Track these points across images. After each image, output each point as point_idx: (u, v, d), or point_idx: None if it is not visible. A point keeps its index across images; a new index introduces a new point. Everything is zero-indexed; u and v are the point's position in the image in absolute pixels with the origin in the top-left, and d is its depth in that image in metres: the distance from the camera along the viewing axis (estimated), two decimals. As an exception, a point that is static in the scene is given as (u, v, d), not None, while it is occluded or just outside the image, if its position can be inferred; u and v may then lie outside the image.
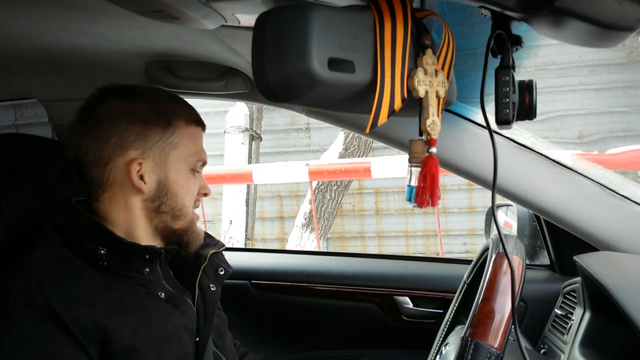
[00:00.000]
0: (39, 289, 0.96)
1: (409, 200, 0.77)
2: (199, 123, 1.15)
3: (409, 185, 0.77)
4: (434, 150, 0.76)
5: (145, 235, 1.08)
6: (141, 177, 1.06)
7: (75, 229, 1.06)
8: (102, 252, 1.03)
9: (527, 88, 0.88)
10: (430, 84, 0.76)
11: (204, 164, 1.16)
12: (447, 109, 1.24)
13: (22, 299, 0.95)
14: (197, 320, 1.13)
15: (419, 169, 0.77)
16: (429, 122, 0.76)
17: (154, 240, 1.10)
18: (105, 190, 1.07)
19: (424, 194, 0.76)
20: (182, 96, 1.40)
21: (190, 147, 1.11)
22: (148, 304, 1.05)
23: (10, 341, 0.93)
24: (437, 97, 0.77)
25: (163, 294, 1.08)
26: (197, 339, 1.12)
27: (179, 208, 1.10)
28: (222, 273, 1.19)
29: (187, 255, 1.17)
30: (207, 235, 1.22)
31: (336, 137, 5.14)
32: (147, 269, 1.07)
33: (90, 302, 0.98)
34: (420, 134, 0.77)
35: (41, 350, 0.94)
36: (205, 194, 1.17)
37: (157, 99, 1.10)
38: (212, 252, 1.18)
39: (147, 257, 1.06)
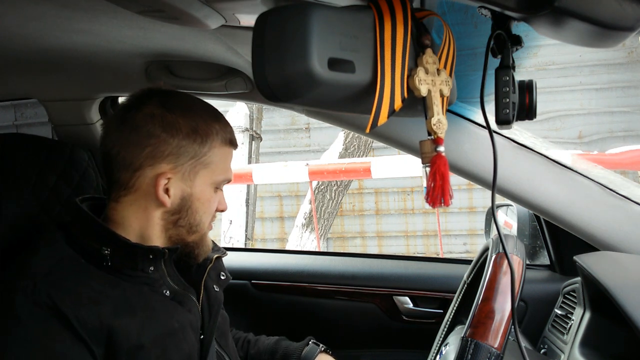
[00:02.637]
0: (44, 287, 0.96)
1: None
2: (232, 143, 1.14)
3: (425, 187, 0.77)
4: (441, 149, 0.76)
5: (158, 242, 1.09)
6: (166, 191, 1.06)
7: (78, 228, 1.06)
8: (106, 252, 1.03)
9: (527, 88, 0.88)
10: (433, 82, 0.76)
11: (229, 182, 1.15)
12: (448, 109, 1.24)
13: (28, 298, 0.96)
14: (201, 318, 1.13)
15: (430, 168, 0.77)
16: (434, 120, 0.76)
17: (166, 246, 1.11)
18: (129, 194, 1.07)
19: (436, 193, 0.76)
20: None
21: (219, 167, 1.11)
22: (154, 302, 1.05)
23: (16, 340, 0.93)
24: (441, 95, 0.77)
25: (168, 292, 1.09)
26: (202, 336, 1.13)
27: (196, 224, 1.10)
28: (223, 278, 1.21)
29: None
30: (211, 240, 1.24)
31: (336, 137, 5.14)
32: (152, 268, 1.07)
33: (96, 300, 0.98)
34: (429, 134, 0.77)
35: (47, 349, 0.94)
36: (222, 210, 1.16)
37: (199, 115, 1.09)
38: (217, 255, 1.20)
39: (151, 256, 1.06)
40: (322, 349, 1.39)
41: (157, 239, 1.09)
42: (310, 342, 1.40)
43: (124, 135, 1.06)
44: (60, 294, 0.96)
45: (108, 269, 1.03)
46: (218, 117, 1.12)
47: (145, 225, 1.08)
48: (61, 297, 0.96)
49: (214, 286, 1.17)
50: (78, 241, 1.05)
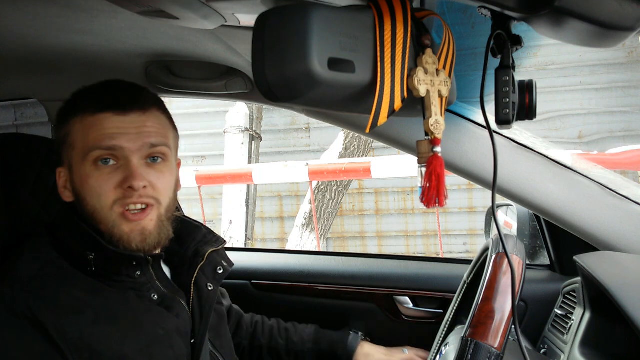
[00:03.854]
0: (24, 296, 0.94)
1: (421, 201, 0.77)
2: (103, 109, 1.01)
3: (420, 187, 0.77)
4: (438, 149, 0.76)
5: (104, 237, 1.03)
6: (66, 186, 1.06)
7: (65, 231, 1.05)
8: (91, 257, 1.01)
9: (527, 88, 0.88)
10: (432, 83, 0.76)
11: (115, 149, 1.00)
12: (447, 109, 1.24)
13: (6, 306, 0.94)
14: (192, 322, 1.11)
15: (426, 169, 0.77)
16: (432, 121, 0.76)
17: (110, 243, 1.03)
18: None
19: (431, 193, 0.76)
20: (182, 96, 1.41)
21: (84, 141, 1.01)
22: (138, 309, 1.03)
23: None
24: (440, 96, 0.77)
25: (156, 296, 1.06)
26: (193, 340, 1.10)
27: (92, 212, 1.02)
28: (220, 272, 1.16)
29: (185, 253, 1.16)
30: (209, 232, 1.20)
31: (336, 137, 5.14)
32: (139, 272, 1.05)
33: (77, 309, 0.96)
34: (426, 134, 0.77)
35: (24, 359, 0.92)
36: (130, 187, 1.00)
37: (70, 98, 1.07)
38: (210, 250, 1.16)
39: (134, 263, 1.04)
40: (362, 337, 1.46)
41: (100, 234, 1.04)
42: (351, 332, 1.46)
43: None
44: (39, 303, 0.94)
45: (93, 274, 1.02)
46: (83, 92, 1.06)
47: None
48: (40, 306, 0.94)
49: (208, 284, 1.14)
50: (64, 245, 1.03)
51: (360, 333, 1.46)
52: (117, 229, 1.01)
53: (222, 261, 1.18)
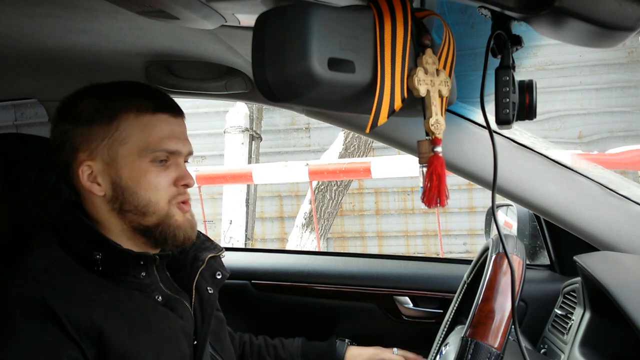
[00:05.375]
0: (36, 286, 0.96)
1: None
2: (162, 109, 1.07)
3: (421, 187, 0.77)
4: (439, 149, 0.76)
5: (124, 234, 1.07)
6: (95, 180, 1.05)
7: (71, 231, 1.06)
8: (98, 257, 1.03)
9: (527, 88, 0.88)
10: (432, 83, 0.76)
11: (174, 153, 1.07)
12: (447, 109, 1.24)
13: (19, 296, 0.96)
14: (194, 323, 1.12)
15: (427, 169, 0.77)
16: (432, 121, 0.76)
17: (134, 238, 1.08)
18: (80, 195, 1.08)
19: (432, 193, 0.76)
20: (182, 96, 1.41)
21: (143, 139, 1.04)
22: (145, 308, 1.04)
23: (7, 337, 0.94)
24: (440, 96, 0.77)
25: (160, 297, 1.08)
26: (195, 342, 1.11)
27: (143, 205, 1.05)
28: (219, 277, 1.18)
29: (185, 258, 1.17)
30: (206, 239, 1.22)
31: (336, 137, 5.14)
32: (144, 273, 1.06)
33: (88, 301, 0.98)
34: (427, 134, 0.77)
35: (37, 347, 0.94)
36: (186, 185, 1.09)
37: (109, 94, 1.07)
38: (210, 255, 1.18)
39: (142, 262, 1.06)
40: (349, 342, 1.48)
41: (120, 230, 1.07)
42: (337, 340, 1.49)
43: (51, 147, 1.09)
44: (52, 293, 0.96)
45: (100, 273, 1.03)
46: (129, 89, 1.08)
47: (105, 219, 1.07)
48: (53, 296, 0.96)
49: (208, 288, 1.15)
50: (71, 244, 1.04)
51: (347, 340, 1.49)
52: (172, 219, 1.07)
53: (220, 267, 1.20)
